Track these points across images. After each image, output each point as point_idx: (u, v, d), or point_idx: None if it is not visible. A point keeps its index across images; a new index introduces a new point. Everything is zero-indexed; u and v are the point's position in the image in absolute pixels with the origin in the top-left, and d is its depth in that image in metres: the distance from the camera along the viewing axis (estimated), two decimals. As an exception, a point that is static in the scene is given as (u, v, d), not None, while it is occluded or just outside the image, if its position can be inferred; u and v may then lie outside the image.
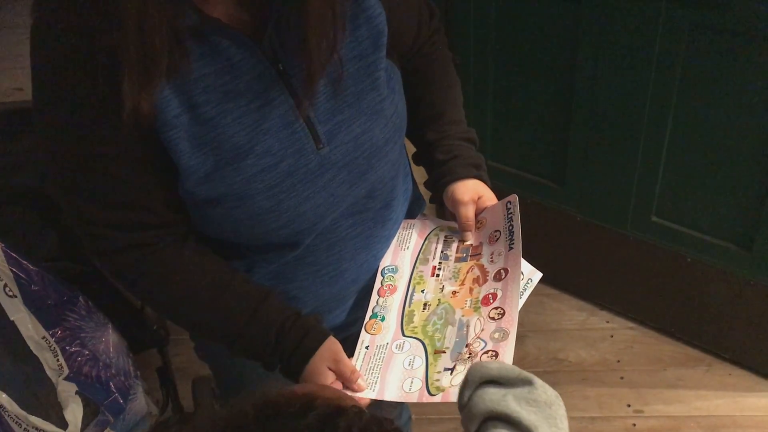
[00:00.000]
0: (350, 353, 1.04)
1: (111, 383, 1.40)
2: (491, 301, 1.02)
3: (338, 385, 1.00)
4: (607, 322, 2.34)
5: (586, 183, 2.12)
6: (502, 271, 1.04)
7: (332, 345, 1.01)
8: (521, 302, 1.04)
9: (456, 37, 2.10)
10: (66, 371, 1.36)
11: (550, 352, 2.25)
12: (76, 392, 1.33)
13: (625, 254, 2.18)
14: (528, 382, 0.83)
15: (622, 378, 2.16)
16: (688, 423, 2.02)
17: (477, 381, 0.84)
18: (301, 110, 0.93)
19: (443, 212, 1.19)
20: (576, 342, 2.28)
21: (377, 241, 1.13)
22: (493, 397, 0.81)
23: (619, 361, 2.21)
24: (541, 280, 1.12)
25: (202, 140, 0.90)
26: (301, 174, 0.96)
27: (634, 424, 2.02)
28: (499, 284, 1.03)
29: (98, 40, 0.80)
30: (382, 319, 1.08)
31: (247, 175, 0.93)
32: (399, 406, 1.65)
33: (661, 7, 1.72)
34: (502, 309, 1.00)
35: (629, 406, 2.08)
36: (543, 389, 0.82)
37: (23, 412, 1.20)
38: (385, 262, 1.14)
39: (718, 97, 1.76)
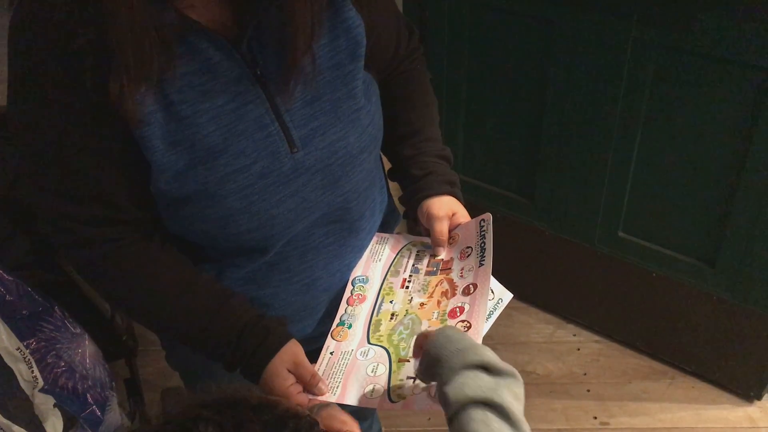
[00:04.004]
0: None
1: (88, 395, 1.38)
2: (458, 314, 1.02)
3: (298, 388, 1.00)
4: (574, 335, 2.37)
5: (555, 198, 2.14)
6: (471, 286, 1.05)
7: (293, 347, 1.02)
8: (490, 322, 1.05)
9: (430, 54, 2.12)
10: (41, 383, 1.34)
11: (518, 365, 2.22)
12: (54, 405, 1.31)
13: (592, 269, 2.21)
14: (513, 375, 0.86)
15: (588, 390, 2.19)
16: (653, 435, 2.05)
17: (471, 363, 0.85)
18: (276, 112, 0.94)
19: (416, 229, 1.20)
20: (543, 354, 2.31)
21: (351, 251, 1.14)
22: (489, 385, 0.83)
23: (585, 374, 2.24)
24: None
25: (176, 138, 0.90)
26: (275, 176, 0.97)
27: (600, 436, 2.05)
28: (467, 298, 1.04)
29: (77, 36, 0.81)
30: (349, 327, 1.08)
31: (219, 174, 0.93)
32: (370, 418, 1.65)
33: (631, 29, 1.75)
34: (468, 322, 1.00)
35: (595, 418, 2.10)
36: (522, 386, 0.86)
37: (7, 422, 1.18)
38: (357, 272, 1.15)
39: (685, 117, 1.79)
